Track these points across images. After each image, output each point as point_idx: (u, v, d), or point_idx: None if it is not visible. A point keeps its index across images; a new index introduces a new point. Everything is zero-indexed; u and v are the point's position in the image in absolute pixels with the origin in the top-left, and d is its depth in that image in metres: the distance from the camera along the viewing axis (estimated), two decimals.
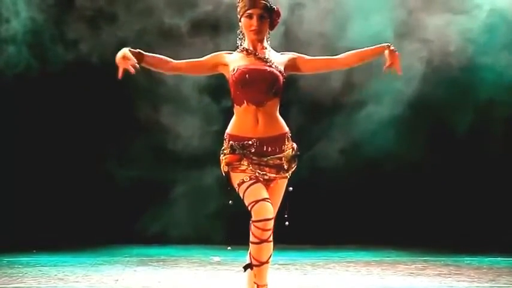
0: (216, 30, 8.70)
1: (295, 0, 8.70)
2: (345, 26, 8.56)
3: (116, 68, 4.10)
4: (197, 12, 8.78)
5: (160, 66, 4.31)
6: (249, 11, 4.23)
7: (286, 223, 4.27)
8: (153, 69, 4.34)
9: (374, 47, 4.34)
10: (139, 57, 4.19)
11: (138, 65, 4.14)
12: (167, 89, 8.70)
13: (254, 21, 4.23)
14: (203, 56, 4.36)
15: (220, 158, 4.28)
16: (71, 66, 8.70)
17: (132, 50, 4.16)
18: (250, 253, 4.14)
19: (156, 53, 4.30)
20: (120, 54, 4.11)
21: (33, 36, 8.72)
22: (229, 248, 4.43)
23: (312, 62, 4.37)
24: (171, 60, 4.30)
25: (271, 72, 4.21)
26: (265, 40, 4.31)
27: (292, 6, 8.63)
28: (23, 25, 8.66)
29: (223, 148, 4.28)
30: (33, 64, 8.71)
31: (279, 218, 4.29)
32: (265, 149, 4.21)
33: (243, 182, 4.15)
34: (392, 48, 4.27)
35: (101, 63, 8.50)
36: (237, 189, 4.20)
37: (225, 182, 4.25)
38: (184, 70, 4.36)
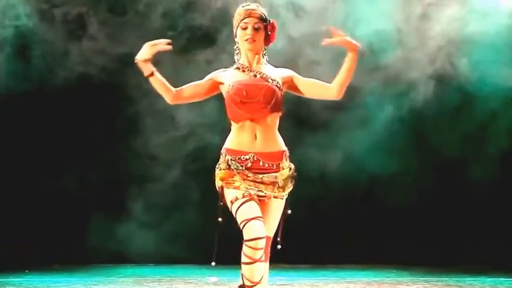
0: (213, 43, 8.62)
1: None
2: (348, 26, 8.45)
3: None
4: (194, 24, 8.72)
5: (164, 93, 4.24)
6: (244, 21, 4.22)
7: (279, 246, 4.21)
8: (157, 90, 4.27)
9: (347, 60, 4.18)
10: (151, 74, 4.19)
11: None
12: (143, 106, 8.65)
13: (249, 30, 4.22)
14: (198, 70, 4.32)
15: (216, 172, 4.22)
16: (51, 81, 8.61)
17: (150, 65, 4.20)
18: (242, 274, 4.07)
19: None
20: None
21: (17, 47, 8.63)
22: (213, 263, 4.34)
23: (306, 85, 4.27)
24: (174, 90, 4.23)
25: (269, 87, 4.17)
26: (261, 55, 4.28)
27: (289, 7, 8.55)
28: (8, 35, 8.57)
29: (219, 163, 4.23)
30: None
31: (276, 240, 4.21)
32: (261, 165, 4.15)
33: (236, 199, 4.10)
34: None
35: (84, 78, 8.48)
36: (229, 206, 4.14)
37: (218, 197, 4.18)
38: (184, 98, 4.28)
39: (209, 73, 4.36)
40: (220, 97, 4.37)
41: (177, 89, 4.26)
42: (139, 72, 4.26)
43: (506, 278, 7.47)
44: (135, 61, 4.20)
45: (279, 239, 4.22)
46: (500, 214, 8.68)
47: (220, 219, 4.14)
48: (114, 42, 8.42)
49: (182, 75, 8.07)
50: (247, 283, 4.05)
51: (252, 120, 4.16)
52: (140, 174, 8.82)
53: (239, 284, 4.16)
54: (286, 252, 4.37)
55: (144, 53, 4.18)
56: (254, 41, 4.21)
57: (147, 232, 8.75)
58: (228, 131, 4.31)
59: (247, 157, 4.15)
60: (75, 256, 8.44)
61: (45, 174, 8.57)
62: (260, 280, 4.05)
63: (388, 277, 7.65)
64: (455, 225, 8.70)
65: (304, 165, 8.24)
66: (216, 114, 7.94)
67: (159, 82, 4.22)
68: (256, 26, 4.21)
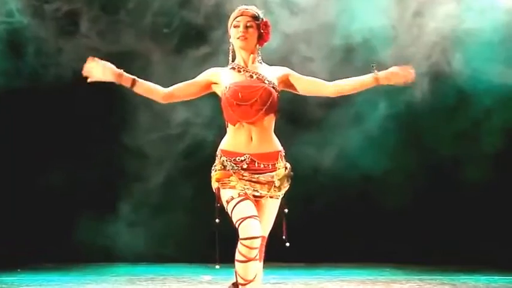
0: (207, 40, 8.58)
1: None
2: (342, 22, 8.42)
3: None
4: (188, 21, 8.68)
5: (152, 95, 4.25)
6: (236, 19, 4.24)
7: (287, 244, 4.22)
8: (145, 95, 4.27)
9: (364, 80, 4.29)
10: (132, 82, 4.18)
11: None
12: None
13: (241, 28, 4.22)
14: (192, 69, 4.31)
15: (211, 174, 4.23)
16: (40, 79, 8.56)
17: (127, 74, 4.17)
18: (236, 271, 4.05)
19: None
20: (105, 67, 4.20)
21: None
22: (217, 266, 4.32)
23: (303, 83, 4.31)
24: (163, 89, 4.24)
25: (265, 89, 4.17)
26: (255, 55, 4.28)
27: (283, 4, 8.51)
28: None
29: (214, 164, 4.23)
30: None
31: (271, 239, 4.22)
32: (257, 166, 4.16)
33: (232, 198, 4.09)
34: (382, 77, 4.27)
35: (76, 75, 8.41)
36: (225, 206, 4.14)
37: (215, 198, 4.18)
38: (177, 97, 4.29)
39: (203, 71, 4.34)
40: (215, 95, 4.34)
41: (169, 88, 4.26)
42: (133, 69, 4.24)
43: (500, 276, 7.46)
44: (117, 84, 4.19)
45: (284, 237, 4.23)
46: (495, 213, 8.65)
47: (217, 220, 4.13)
48: (108, 40, 8.37)
49: (177, 72, 8.06)
50: (240, 281, 4.04)
51: (248, 122, 4.15)
52: (134, 172, 8.78)
53: (232, 282, 4.16)
54: (280, 251, 4.36)
55: (107, 75, 4.20)
56: (246, 38, 4.22)
57: (140, 231, 8.72)
58: (222, 129, 4.29)
59: (242, 158, 4.16)
60: (68, 255, 8.39)
61: (39, 172, 8.52)
62: (254, 278, 4.03)
63: (382, 275, 7.62)
64: (450, 223, 8.67)
65: (298, 163, 8.20)
66: (211, 112, 7.91)
67: (142, 89, 4.20)
68: (248, 24, 4.22)
